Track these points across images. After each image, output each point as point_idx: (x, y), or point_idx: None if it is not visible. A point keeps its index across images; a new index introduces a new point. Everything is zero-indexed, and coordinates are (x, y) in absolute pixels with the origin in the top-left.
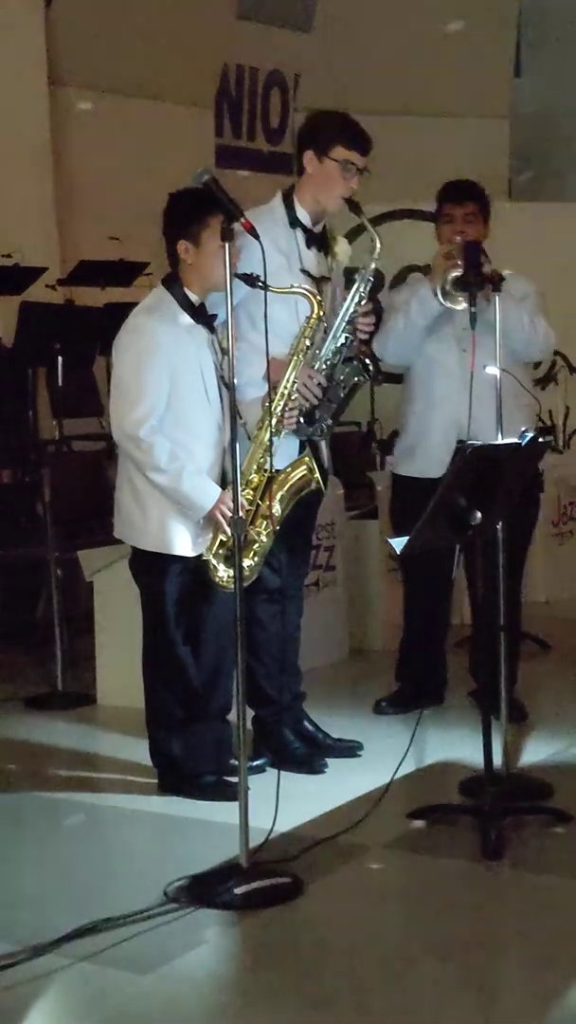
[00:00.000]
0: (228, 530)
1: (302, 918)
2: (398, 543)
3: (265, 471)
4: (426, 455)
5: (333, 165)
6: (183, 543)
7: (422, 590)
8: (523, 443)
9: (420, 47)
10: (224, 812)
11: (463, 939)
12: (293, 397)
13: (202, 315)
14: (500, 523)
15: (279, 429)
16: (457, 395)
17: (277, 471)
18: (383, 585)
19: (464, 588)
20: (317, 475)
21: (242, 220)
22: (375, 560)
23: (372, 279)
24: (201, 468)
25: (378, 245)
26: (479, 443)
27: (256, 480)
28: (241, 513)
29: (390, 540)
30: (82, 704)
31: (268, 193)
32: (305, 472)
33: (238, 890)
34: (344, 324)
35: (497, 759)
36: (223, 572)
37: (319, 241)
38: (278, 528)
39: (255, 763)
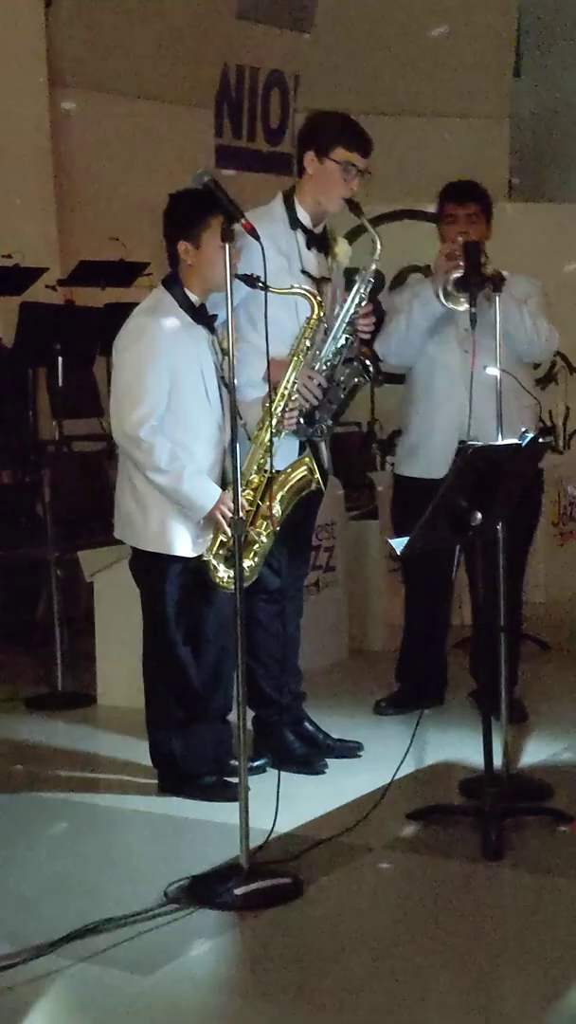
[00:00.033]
0: (228, 531)
1: (302, 919)
2: (399, 543)
3: (265, 472)
4: (429, 456)
5: (334, 166)
6: (183, 544)
7: (423, 590)
8: (523, 444)
9: (420, 47)
10: (224, 812)
11: (463, 939)
12: (293, 398)
13: (202, 316)
14: (500, 524)
15: (279, 430)
16: (459, 396)
17: (277, 472)
18: (383, 585)
19: (465, 588)
20: (317, 476)
21: (242, 221)
22: (375, 560)
23: (372, 280)
24: (201, 468)
25: (378, 246)
26: (479, 444)
27: (256, 481)
28: (241, 514)
29: (391, 540)
30: (82, 704)
31: (268, 193)
32: (305, 473)
33: (238, 891)
34: (344, 325)
35: (497, 760)
36: (223, 572)
37: (319, 242)
38: (278, 529)
39: (255, 763)
